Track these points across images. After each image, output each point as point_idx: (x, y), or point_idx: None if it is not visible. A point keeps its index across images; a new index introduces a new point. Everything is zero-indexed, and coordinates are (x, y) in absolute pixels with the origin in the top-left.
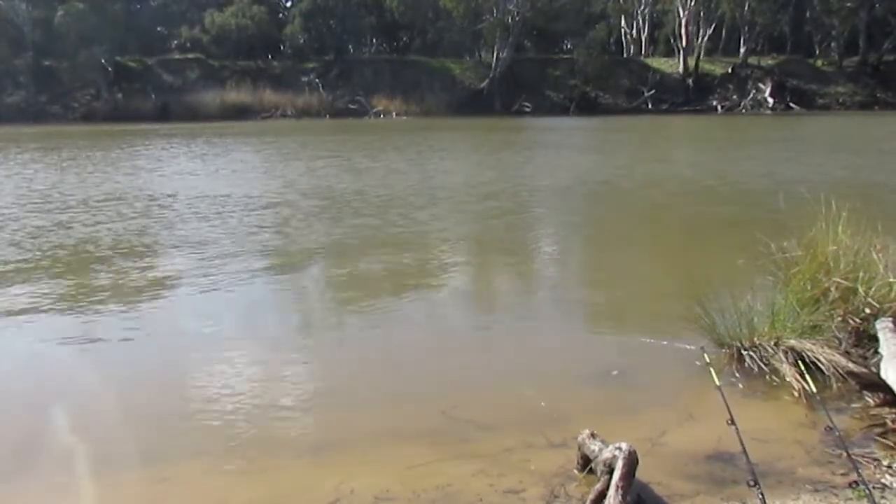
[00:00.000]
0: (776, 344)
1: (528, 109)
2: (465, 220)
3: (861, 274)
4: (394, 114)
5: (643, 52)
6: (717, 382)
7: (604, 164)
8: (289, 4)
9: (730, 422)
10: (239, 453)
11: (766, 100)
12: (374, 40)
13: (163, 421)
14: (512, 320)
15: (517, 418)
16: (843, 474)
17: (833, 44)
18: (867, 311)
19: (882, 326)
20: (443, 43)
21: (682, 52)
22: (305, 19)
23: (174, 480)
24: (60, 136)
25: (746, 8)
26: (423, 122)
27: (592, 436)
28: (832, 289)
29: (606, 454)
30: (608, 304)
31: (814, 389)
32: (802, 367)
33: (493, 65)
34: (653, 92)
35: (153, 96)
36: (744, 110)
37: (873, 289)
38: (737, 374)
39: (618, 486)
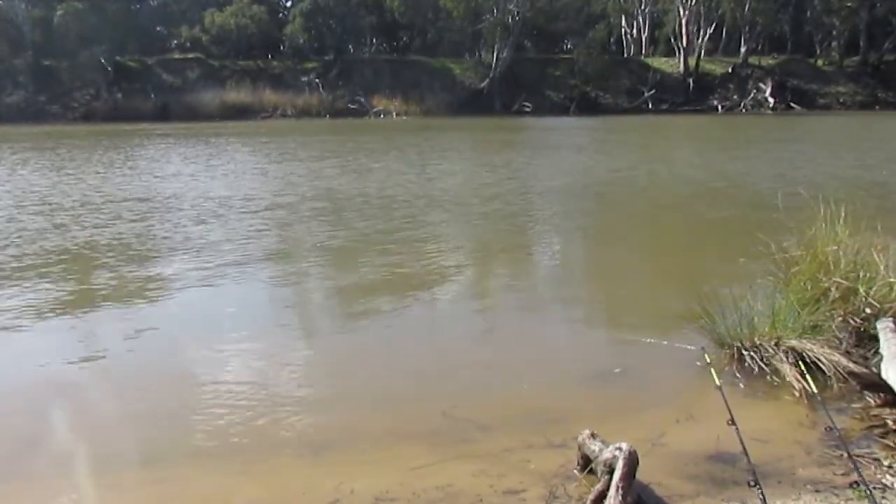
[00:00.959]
0: (777, 344)
1: (528, 109)
2: (466, 221)
3: (861, 274)
4: (394, 114)
5: (643, 51)
6: (718, 382)
7: (604, 165)
8: (289, 4)
9: (730, 422)
10: (239, 453)
11: (766, 100)
12: (374, 40)
13: (163, 421)
14: (512, 320)
15: (517, 418)
16: (843, 474)
17: (834, 43)
18: (868, 311)
19: (883, 326)
20: (443, 43)
21: (682, 51)
22: (305, 19)
23: (174, 480)
24: (59, 136)
25: (747, 8)
26: (423, 122)
27: (593, 436)
28: (833, 289)
29: (607, 454)
30: (608, 305)
31: (814, 390)
32: (803, 368)
33: (493, 65)
34: (653, 92)
35: (153, 96)
36: (744, 110)
37: (874, 289)
38: (737, 375)
39: (618, 487)
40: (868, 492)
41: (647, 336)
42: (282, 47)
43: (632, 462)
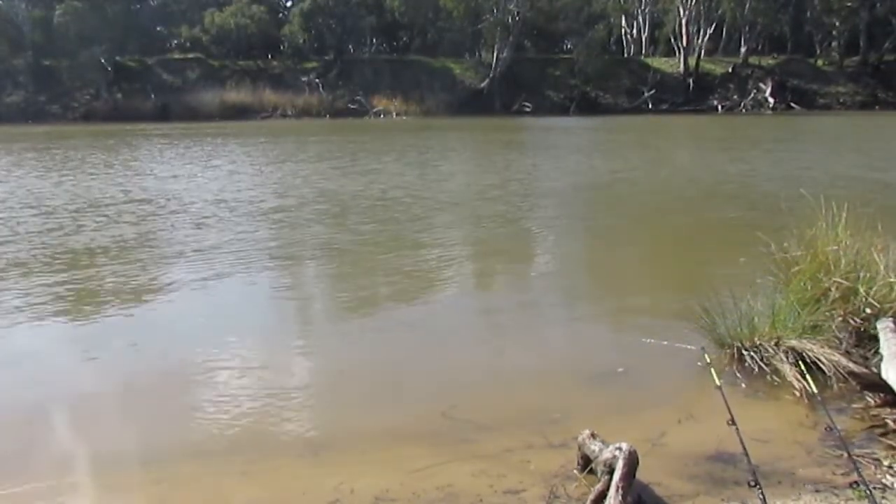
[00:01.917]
0: (777, 344)
1: (528, 109)
2: (466, 222)
3: (862, 274)
4: (394, 114)
5: (643, 51)
6: (718, 382)
7: (605, 165)
8: (289, 4)
9: (730, 422)
10: (239, 453)
11: (766, 100)
12: (374, 40)
13: (163, 421)
14: (512, 321)
15: (517, 418)
16: (843, 474)
17: (834, 43)
18: (868, 311)
19: (883, 326)
20: (443, 43)
21: (682, 51)
22: (305, 19)
23: (174, 481)
24: (59, 136)
25: (747, 8)
26: (423, 122)
27: (593, 436)
28: (833, 289)
29: (607, 454)
30: (609, 305)
31: (814, 390)
32: (803, 368)
33: (493, 65)
34: (653, 92)
35: (153, 96)
36: (744, 110)
37: (874, 289)
38: (737, 375)
39: (618, 487)
40: (868, 492)
41: (647, 336)
42: (282, 47)
43: (632, 462)
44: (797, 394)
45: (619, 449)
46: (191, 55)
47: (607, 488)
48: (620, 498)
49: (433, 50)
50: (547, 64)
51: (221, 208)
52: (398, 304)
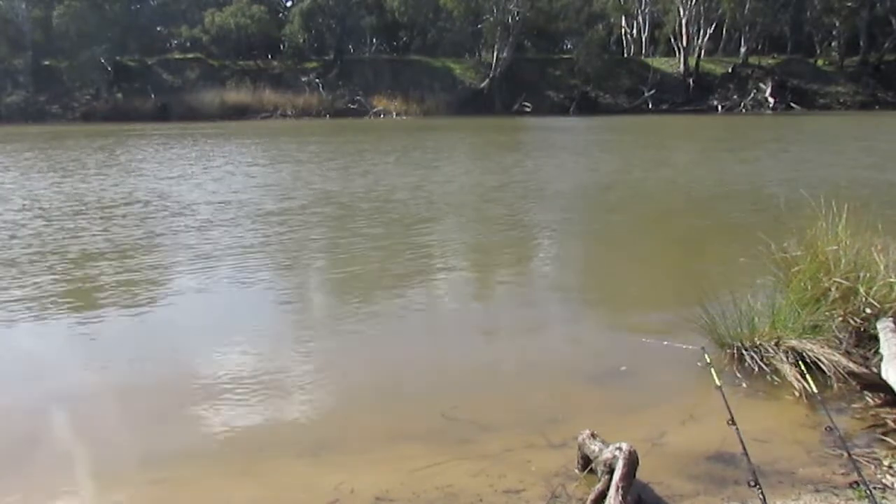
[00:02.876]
0: (777, 344)
1: (528, 109)
2: (467, 222)
3: (862, 274)
4: (394, 114)
5: (643, 51)
6: (718, 382)
7: (606, 166)
8: (289, 4)
9: (730, 422)
10: (239, 453)
11: (766, 100)
12: (374, 40)
13: (163, 421)
14: (512, 321)
15: (517, 418)
16: (843, 474)
17: (834, 43)
18: (868, 311)
19: (883, 326)
20: (443, 43)
21: (682, 51)
22: (305, 19)
23: (174, 480)
24: (58, 136)
25: (747, 8)
26: (423, 122)
27: (593, 436)
28: (833, 289)
29: (607, 454)
30: (609, 305)
31: (814, 390)
32: (803, 368)
33: (494, 64)
34: (653, 92)
35: (153, 96)
36: (744, 110)
37: (874, 289)
38: (737, 375)
39: (618, 487)
40: (868, 492)
41: (647, 336)
42: (282, 47)
43: (632, 462)
44: (797, 394)
45: (619, 449)
46: (191, 55)
47: (607, 488)
48: (620, 498)
49: (433, 50)
50: (547, 64)
51: (221, 209)
52: (398, 304)
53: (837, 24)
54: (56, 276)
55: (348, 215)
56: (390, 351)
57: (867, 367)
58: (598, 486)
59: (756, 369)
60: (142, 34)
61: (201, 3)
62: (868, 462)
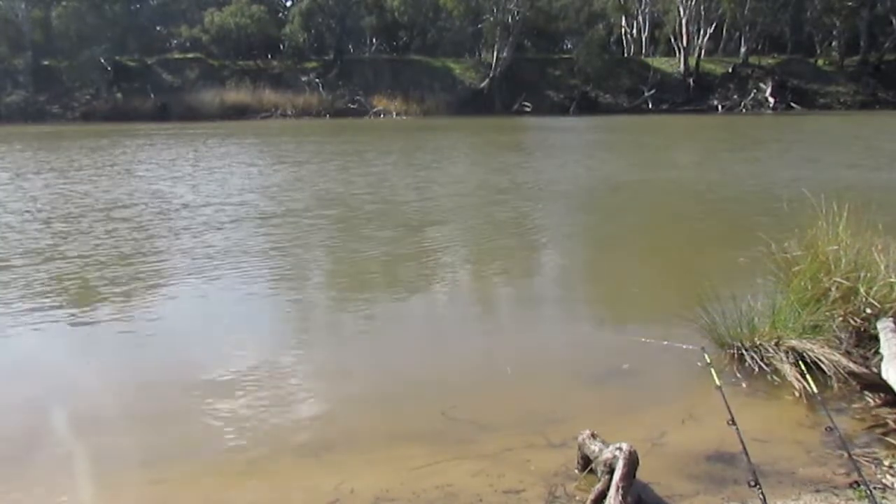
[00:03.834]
0: (777, 344)
1: (528, 109)
2: (468, 223)
3: (862, 274)
4: (394, 113)
5: (643, 51)
6: (718, 382)
7: (607, 167)
8: (289, 4)
9: (730, 422)
10: (239, 453)
11: (766, 99)
12: (374, 40)
13: (163, 421)
14: (511, 321)
15: (517, 418)
16: (844, 474)
17: (834, 43)
18: (868, 311)
19: (883, 326)
20: (443, 43)
21: (682, 51)
22: (305, 19)
23: (174, 481)
24: (58, 136)
25: (747, 8)
26: (423, 121)
27: (593, 436)
28: (833, 289)
29: (607, 454)
30: (609, 305)
31: (815, 389)
32: (803, 368)
33: (493, 64)
34: (653, 92)
35: (153, 96)
36: (744, 110)
37: (874, 289)
38: (737, 375)
39: (618, 487)
40: (868, 492)
41: (647, 336)
42: (282, 47)
43: (632, 462)
44: (797, 394)
45: (620, 449)
46: (191, 55)
47: (607, 488)
48: (620, 498)
49: (433, 50)
50: (547, 64)
51: (222, 210)
52: (398, 304)
53: (837, 23)
54: (56, 276)
55: (349, 217)
56: (391, 351)
57: (867, 367)
58: (598, 486)
59: (756, 369)
60: (142, 34)
61: (201, 3)
62: (868, 462)
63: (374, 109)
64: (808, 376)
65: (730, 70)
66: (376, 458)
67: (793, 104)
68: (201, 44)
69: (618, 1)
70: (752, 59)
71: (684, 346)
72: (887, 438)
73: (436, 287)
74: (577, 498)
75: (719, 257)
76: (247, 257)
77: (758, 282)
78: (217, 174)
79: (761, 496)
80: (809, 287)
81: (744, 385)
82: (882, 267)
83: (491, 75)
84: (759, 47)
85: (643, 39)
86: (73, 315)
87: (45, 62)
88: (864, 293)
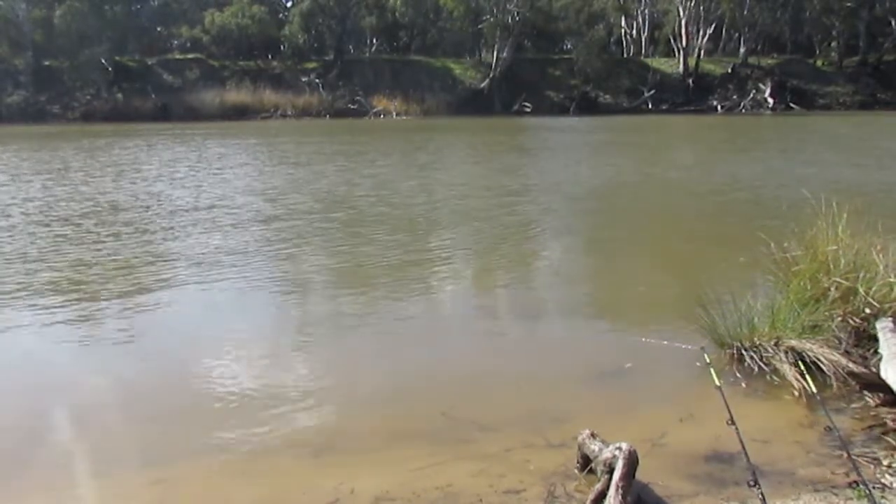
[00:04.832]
0: (776, 344)
1: (528, 109)
2: (468, 223)
3: (861, 274)
4: (394, 114)
5: (643, 52)
6: (718, 382)
7: (608, 168)
8: (289, 4)
9: (730, 422)
10: (239, 453)
11: (766, 100)
12: (374, 40)
13: (163, 421)
14: (511, 321)
15: (517, 418)
16: (843, 474)
17: (833, 44)
18: (867, 310)
19: (882, 326)
20: (443, 43)
21: (682, 52)
22: (305, 19)
23: (174, 481)
24: (58, 136)
25: (746, 8)
26: (424, 122)
27: (592, 436)
28: (832, 289)
29: (606, 454)
30: (609, 305)
31: (814, 389)
32: (803, 367)
33: (494, 65)
34: (653, 92)
35: (153, 96)
36: (744, 110)
37: (873, 289)
38: (737, 374)
39: (618, 487)
40: (868, 491)
41: (647, 336)
42: (282, 47)
43: (632, 462)
44: (797, 394)
45: (619, 448)
46: (191, 55)
47: (607, 488)
48: (620, 497)
49: (433, 50)
50: (547, 64)
51: (222, 211)
52: (398, 304)
53: (837, 24)
54: (55, 276)
55: (350, 218)
56: (391, 351)
57: (866, 367)
58: (598, 486)
59: (756, 369)
60: (142, 34)
61: (201, 3)
62: (867, 462)
63: (375, 110)
64: (807, 376)
65: (729, 70)
66: (376, 458)
67: (792, 104)
68: (202, 44)
69: (618, 1)
70: (752, 60)
71: (684, 346)
72: (886, 438)
73: (435, 287)
74: (577, 498)
75: (719, 257)
76: (247, 258)
77: (757, 282)
78: (218, 175)
79: (761, 496)
80: (809, 287)
81: (743, 385)
82: (881, 267)
83: (491, 75)
84: (759, 48)
85: (643, 40)
86: (73, 315)
87: (46, 62)
88: (863, 293)
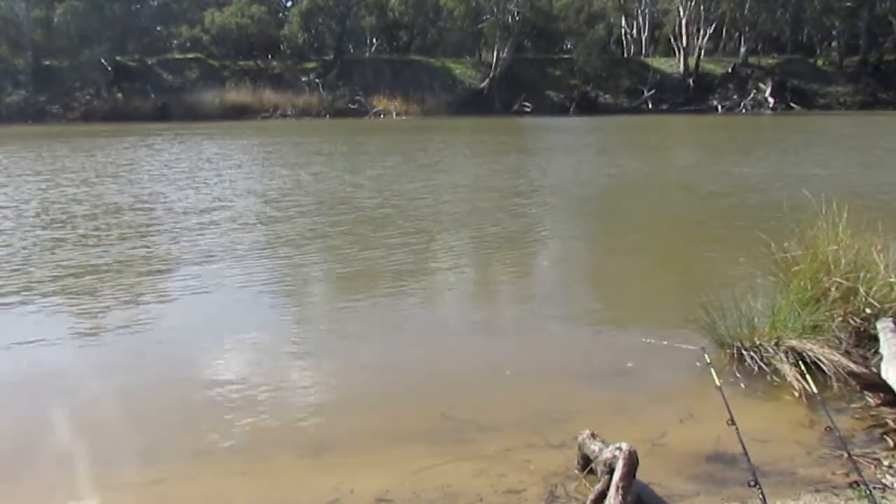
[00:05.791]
0: (777, 344)
1: (528, 109)
2: (467, 223)
3: (862, 274)
4: (394, 114)
5: (643, 51)
6: (718, 382)
7: (608, 168)
8: (289, 4)
9: (730, 422)
10: (239, 453)
11: (766, 100)
12: (374, 40)
13: (163, 421)
14: (512, 321)
15: (517, 418)
16: (843, 474)
17: (833, 44)
18: (868, 311)
19: (882, 326)
20: (443, 43)
21: (682, 51)
22: (305, 19)
23: (174, 480)
24: (58, 136)
25: (746, 8)
26: (424, 122)
27: (593, 436)
28: (833, 289)
29: (607, 454)
30: (609, 305)
31: (814, 389)
32: (803, 368)
33: (494, 64)
34: (653, 92)
35: (153, 96)
36: (744, 110)
37: (874, 289)
38: (737, 375)
39: (618, 487)
40: (868, 492)
41: (647, 336)
42: (282, 47)
43: (632, 462)
44: (797, 394)
45: (619, 449)
46: (191, 55)
47: (607, 488)
48: (620, 498)
49: (433, 50)
50: (547, 64)
51: (222, 212)
52: (398, 304)
53: (837, 24)
54: (55, 276)
55: (350, 219)
56: (391, 351)
57: (867, 367)
58: (598, 486)
59: (756, 369)
60: (142, 34)
61: (201, 3)
62: (868, 462)
63: (375, 109)
64: (807, 376)
65: (729, 70)
66: (376, 459)
67: (792, 104)
68: (201, 44)
69: (618, 1)
70: (752, 60)
71: (684, 346)
72: (887, 438)
73: (436, 287)
74: (578, 498)
75: (720, 257)
76: (247, 259)
77: (758, 282)
78: (218, 175)
79: (761, 496)
80: (809, 287)
81: (743, 385)
82: (881, 267)
83: (491, 75)
84: (759, 47)
85: (643, 40)
86: (72, 314)
87: (46, 62)
88: (863, 293)
